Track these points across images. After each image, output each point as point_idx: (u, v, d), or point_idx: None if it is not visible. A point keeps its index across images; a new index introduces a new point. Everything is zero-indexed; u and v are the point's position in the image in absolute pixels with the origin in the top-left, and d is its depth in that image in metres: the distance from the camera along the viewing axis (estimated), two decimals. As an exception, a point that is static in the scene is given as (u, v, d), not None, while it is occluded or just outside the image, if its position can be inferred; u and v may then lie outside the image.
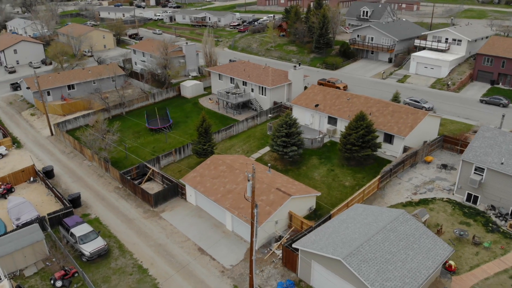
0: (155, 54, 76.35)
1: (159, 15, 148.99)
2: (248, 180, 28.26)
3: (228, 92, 63.21)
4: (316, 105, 54.04)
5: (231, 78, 67.46)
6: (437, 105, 64.33)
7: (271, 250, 35.15)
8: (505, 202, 37.89)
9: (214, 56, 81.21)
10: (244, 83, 65.24)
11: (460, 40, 78.08)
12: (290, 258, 32.71)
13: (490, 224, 36.98)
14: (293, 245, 31.53)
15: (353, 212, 34.22)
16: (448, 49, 79.41)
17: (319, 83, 73.91)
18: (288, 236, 35.91)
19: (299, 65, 64.72)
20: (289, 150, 45.17)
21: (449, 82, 72.18)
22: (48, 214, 39.42)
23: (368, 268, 27.41)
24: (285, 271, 33.18)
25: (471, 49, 79.11)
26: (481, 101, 65.28)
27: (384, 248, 29.19)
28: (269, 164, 43.04)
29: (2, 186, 45.52)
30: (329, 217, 36.16)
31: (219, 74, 69.66)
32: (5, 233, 37.12)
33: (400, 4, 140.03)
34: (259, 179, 38.65)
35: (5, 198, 44.54)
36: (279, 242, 35.40)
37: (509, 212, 37.67)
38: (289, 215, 37.05)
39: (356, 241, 29.41)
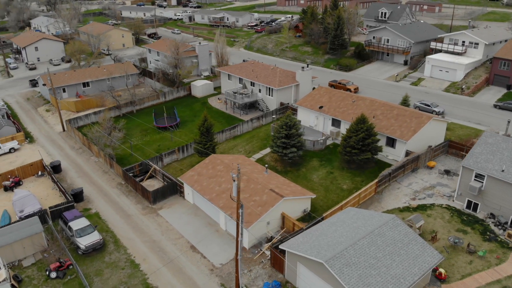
0: (167, 53, 77.46)
1: (178, 15, 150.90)
2: (234, 181, 28.54)
3: (235, 92, 63.63)
4: (320, 107, 53.80)
5: (239, 78, 67.84)
6: (449, 109, 62.97)
7: (261, 250, 35.32)
8: (505, 211, 36.88)
9: (226, 56, 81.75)
10: (252, 84, 65.52)
11: (477, 43, 76.17)
12: (277, 259, 32.80)
13: (488, 233, 36.06)
14: (280, 247, 31.65)
15: (344, 215, 34.03)
16: (465, 52, 77.64)
17: (330, 85, 73.51)
18: (279, 237, 35.98)
19: (308, 66, 64.53)
20: (288, 151, 45.17)
21: (463, 86, 70.52)
22: (50, 208, 40.71)
23: (350, 272, 27.24)
24: (273, 272, 33.29)
25: (488, 53, 77.04)
26: (495, 106, 63.57)
27: (370, 253, 28.94)
28: (266, 165, 43.17)
29: (11, 179, 47.22)
30: (321, 220, 36.02)
31: (229, 74, 70.14)
32: (9, 224, 38.55)
33: (421, 5, 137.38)
34: (254, 180, 38.88)
35: (13, 191, 46.21)
36: (269, 243, 35.50)
37: (509, 221, 36.65)
38: (282, 216, 37.11)
39: (341, 244, 29.27)
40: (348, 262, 27.84)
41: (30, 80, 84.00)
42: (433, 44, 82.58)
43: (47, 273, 33.81)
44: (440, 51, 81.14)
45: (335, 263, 27.53)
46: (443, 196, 41.24)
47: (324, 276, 28.40)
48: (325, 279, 28.44)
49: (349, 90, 70.11)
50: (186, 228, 39.13)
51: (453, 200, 40.47)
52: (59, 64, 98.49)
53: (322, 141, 50.34)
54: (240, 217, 29.02)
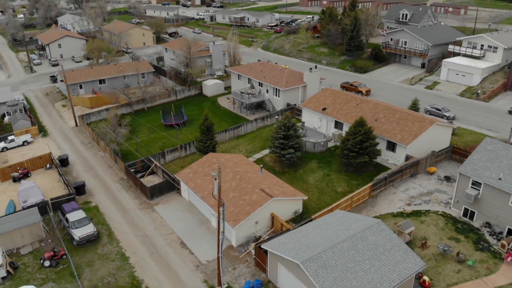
0: (181, 52, 78.70)
1: (201, 15, 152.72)
2: (215, 179, 28.98)
3: (243, 92, 64.08)
4: (324, 109, 53.56)
5: (248, 78, 68.26)
6: (461, 115, 61.42)
7: (248, 249, 35.61)
8: (501, 220, 35.85)
9: (238, 56, 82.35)
10: (260, 84, 65.81)
11: (496, 47, 73.84)
12: (260, 259, 33.02)
13: (482, 242, 35.13)
14: (262, 246, 31.87)
15: (331, 218, 33.87)
16: (483, 56, 75.41)
17: (342, 86, 72.99)
18: (267, 236, 36.17)
19: (316, 68, 64.32)
20: (286, 152, 45.26)
21: (479, 91, 68.56)
22: (51, 199, 42.28)
23: (326, 275, 27.18)
24: (257, 271, 33.55)
25: (508, 57, 74.54)
26: (510, 112, 61.57)
27: (349, 256, 28.77)
28: (261, 165, 43.40)
29: (19, 171, 49.25)
30: (310, 221, 35.94)
31: (238, 74, 70.66)
32: (13, 213, 40.33)
33: (446, 7, 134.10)
34: (246, 179, 39.22)
35: (20, 182, 48.19)
36: (256, 242, 35.73)
37: (504, 231, 35.57)
38: (271, 217, 37.30)
39: (320, 246, 29.23)
40: (325, 265, 27.78)
41: (51, 76, 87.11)
42: (451, 47, 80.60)
43: (41, 261, 35.21)
44: (458, 54, 79.13)
45: (311, 264, 27.53)
46: (440, 203, 40.39)
47: (301, 277, 28.46)
48: (302, 280, 28.50)
49: (360, 92, 69.45)
50: (178, 224, 39.87)
51: (450, 208, 39.60)
52: (81, 61, 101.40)
53: (323, 143, 50.11)
54: (222, 215, 29.50)
